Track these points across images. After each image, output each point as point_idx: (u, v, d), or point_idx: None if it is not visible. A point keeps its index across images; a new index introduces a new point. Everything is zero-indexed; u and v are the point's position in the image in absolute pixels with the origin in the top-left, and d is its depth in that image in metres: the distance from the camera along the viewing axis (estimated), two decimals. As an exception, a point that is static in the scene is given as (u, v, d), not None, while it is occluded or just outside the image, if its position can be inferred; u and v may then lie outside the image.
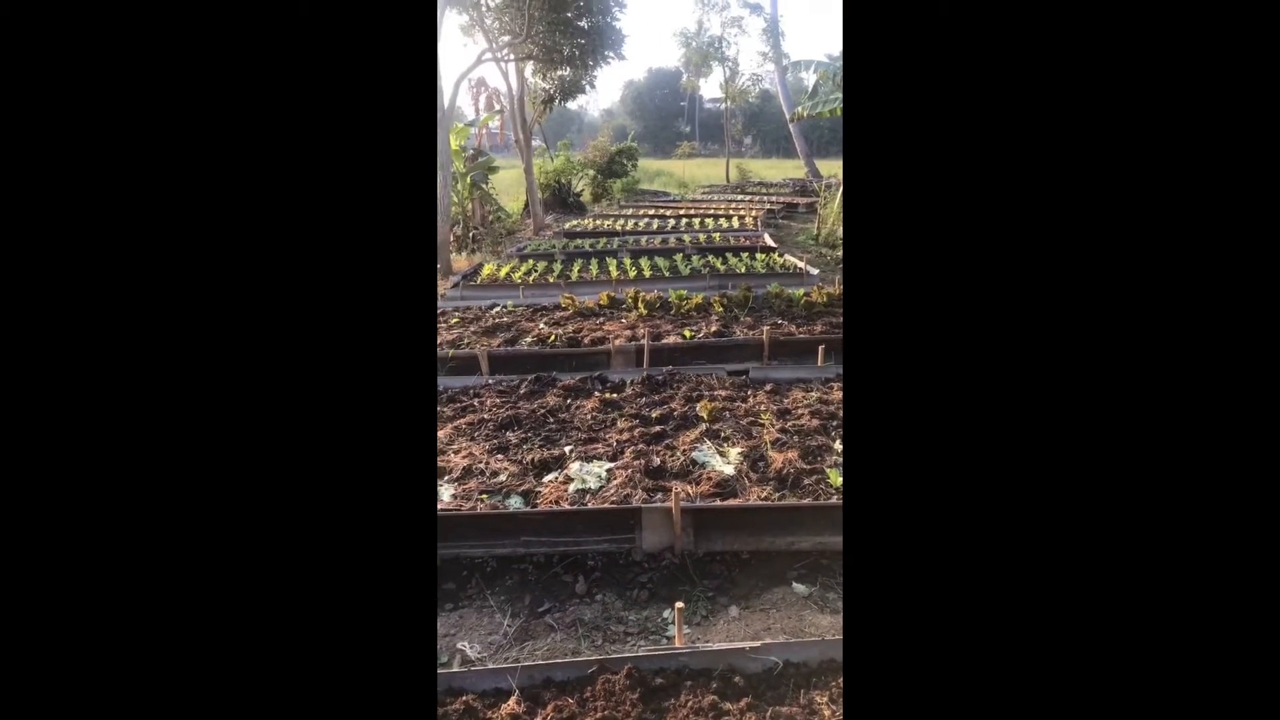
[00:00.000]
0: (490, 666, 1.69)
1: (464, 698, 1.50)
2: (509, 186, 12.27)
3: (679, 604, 1.79)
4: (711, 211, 10.68)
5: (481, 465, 2.70)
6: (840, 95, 8.73)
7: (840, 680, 1.52)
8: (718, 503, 2.32)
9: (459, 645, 1.91)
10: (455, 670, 1.62)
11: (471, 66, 7.77)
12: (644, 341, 4.00)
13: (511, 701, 1.49)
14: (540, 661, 1.67)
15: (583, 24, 7.89)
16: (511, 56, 8.41)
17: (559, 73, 8.92)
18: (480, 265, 6.64)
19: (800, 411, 3.09)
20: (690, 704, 1.45)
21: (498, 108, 11.63)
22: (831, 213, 8.37)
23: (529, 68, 9.08)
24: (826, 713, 1.44)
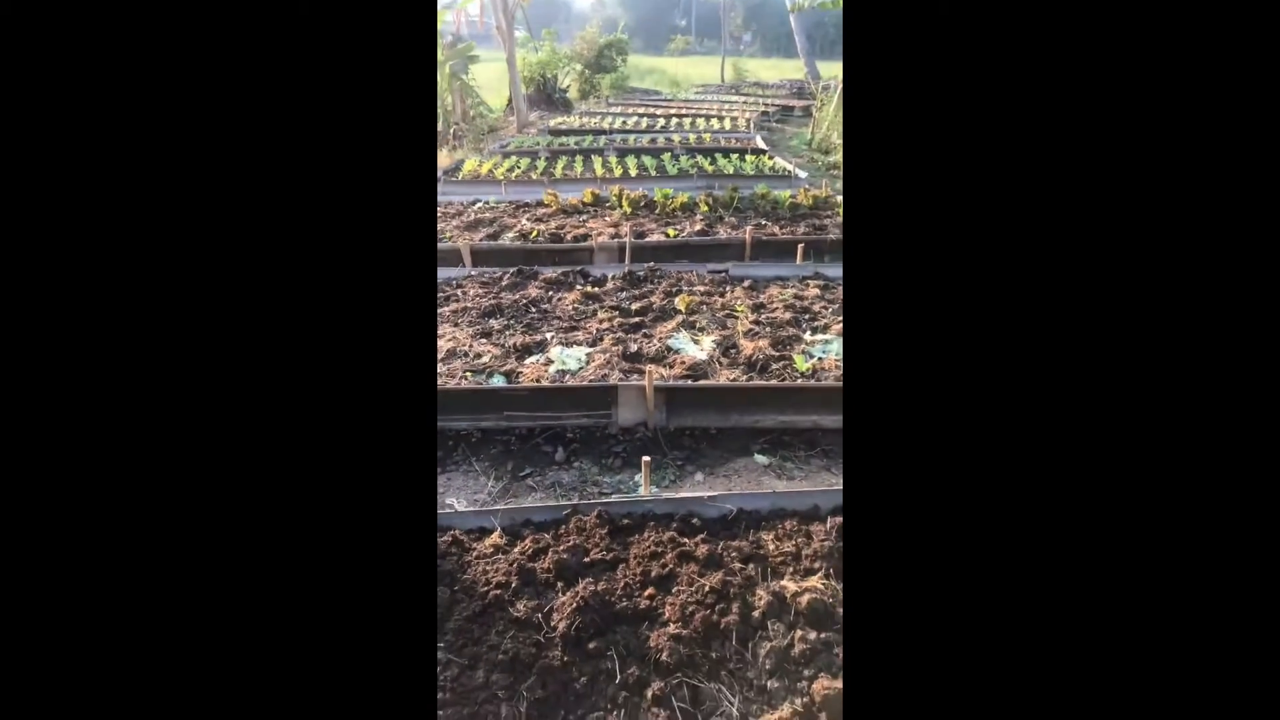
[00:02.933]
0: (475, 510, 1.88)
1: (452, 532, 1.68)
2: (491, 81, 11.59)
3: (645, 458, 1.97)
4: (703, 112, 10.26)
5: (465, 348, 2.80)
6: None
7: (786, 523, 1.72)
8: (689, 383, 2.46)
9: (447, 501, 2.10)
10: (443, 513, 1.79)
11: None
12: (627, 239, 4.01)
13: (494, 535, 1.68)
14: (520, 505, 1.85)
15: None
16: (491, -73, 7.71)
17: (543, -51, 8.21)
18: (462, 162, 6.44)
19: (775, 306, 3.20)
20: (652, 538, 1.64)
21: (478, -12, 10.74)
22: (826, 116, 8.09)
23: (511, -58, 8.35)
24: (771, 547, 1.64)
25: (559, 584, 1.52)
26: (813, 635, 1.38)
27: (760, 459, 2.33)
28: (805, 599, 1.45)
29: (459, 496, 2.13)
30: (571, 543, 1.62)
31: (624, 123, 9.11)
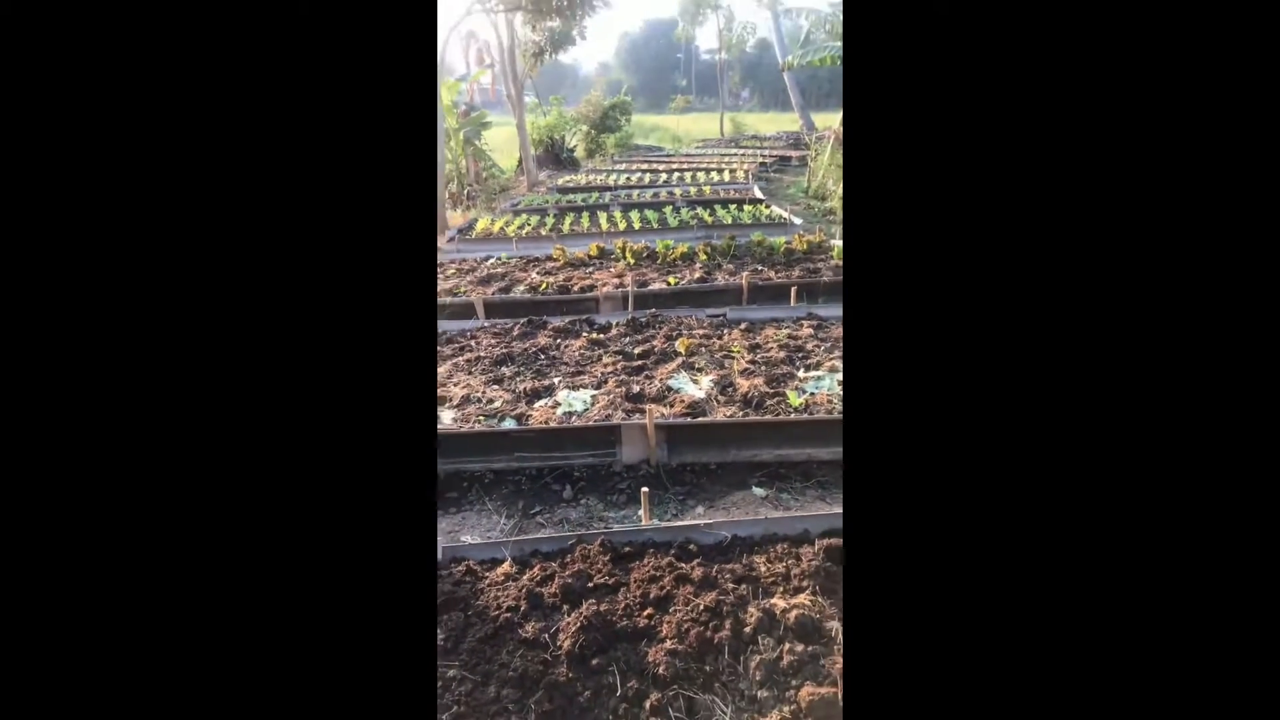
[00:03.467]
0: (487, 541, 2.01)
1: (466, 562, 1.82)
2: (502, 143, 12.23)
3: (645, 489, 2.10)
4: (704, 166, 10.72)
5: (479, 395, 2.98)
6: (836, 44, 8.69)
7: (777, 546, 1.83)
8: (689, 420, 2.61)
9: (462, 539, 2.23)
10: (457, 545, 1.93)
11: (461, 19, 7.76)
12: (630, 288, 4.24)
13: (505, 565, 1.81)
14: (529, 537, 1.98)
15: (570, -27, 7.85)
16: (501, 7, 8.36)
17: (549, 24, 8.87)
18: (475, 220, 6.81)
19: (770, 346, 3.36)
20: (651, 563, 1.76)
21: (488, 61, 11.51)
22: (821, 165, 8.45)
23: (519, 19, 9.02)
24: (762, 568, 1.75)
25: (564, 606, 1.64)
26: (800, 648, 1.48)
27: (758, 491, 2.44)
28: (794, 615, 1.55)
29: (473, 534, 2.26)
30: (576, 569, 1.74)
31: (628, 179, 9.54)
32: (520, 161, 10.59)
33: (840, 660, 1.42)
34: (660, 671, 1.45)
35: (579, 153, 13.73)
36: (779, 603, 1.60)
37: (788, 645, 1.49)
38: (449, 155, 8.10)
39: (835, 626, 1.53)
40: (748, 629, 1.54)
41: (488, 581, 1.75)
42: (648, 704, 1.40)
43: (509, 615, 1.62)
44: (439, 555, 1.87)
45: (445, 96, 7.87)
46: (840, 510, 1.99)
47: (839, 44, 8.39)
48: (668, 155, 13.51)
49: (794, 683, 1.42)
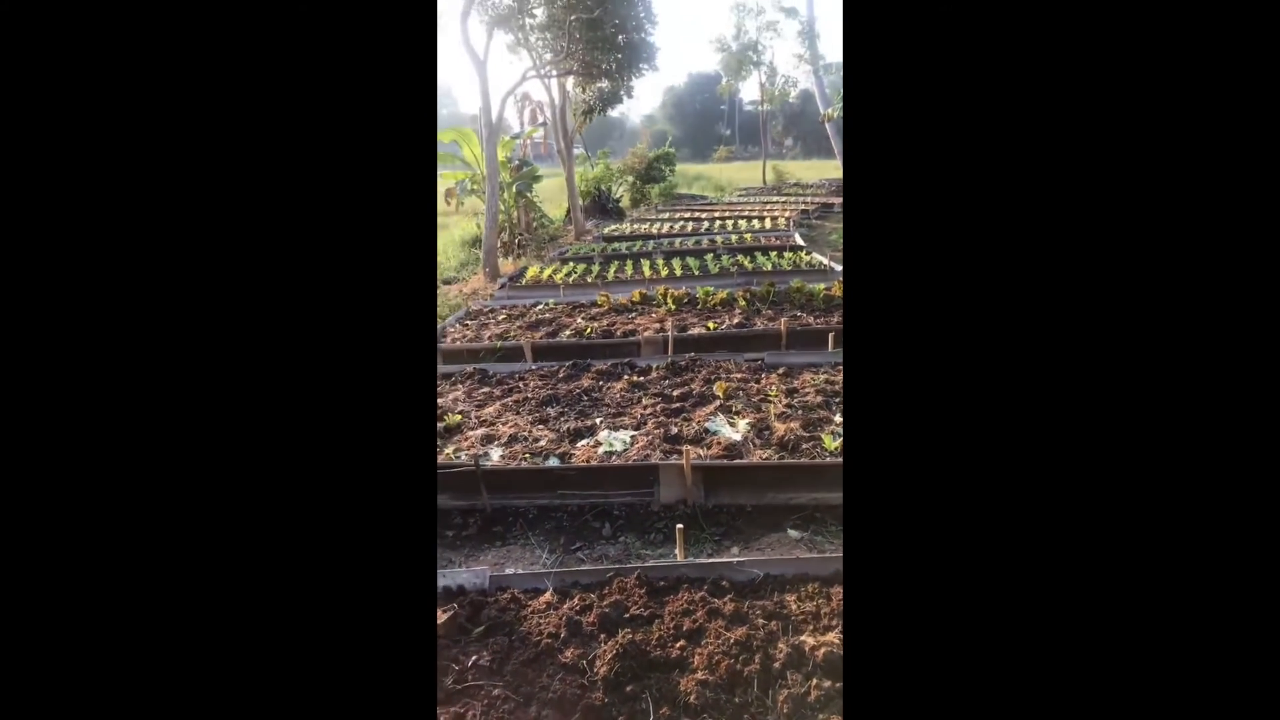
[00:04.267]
0: (530, 572, 2.13)
1: (510, 590, 1.94)
2: (552, 194, 12.86)
3: (679, 526, 2.19)
4: (745, 213, 10.96)
5: (525, 433, 3.16)
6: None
7: (809, 585, 1.88)
8: (725, 461, 2.69)
9: (507, 570, 2.36)
10: (503, 574, 2.06)
11: (518, 83, 8.38)
12: (670, 333, 4.40)
13: (547, 594, 1.92)
14: (570, 569, 2.10)
15: (619, 40, 8.39)
16: (554, 72, 8.99)
17: (598, 85, 9.45)
18: (525, 268, 7.18)
19: (807, 390, 3.43)
20: (685, 598, 1.84)
21: (541, 120, 12.26)
22: (862, 212, 8.53)
23: (570, 81, 9.65)
24: (794, 607, 1.80)
25: (602, 635, 1.73)
26: (827, 684, 1.52)
27: (793, 534, 2.49)
28: (822, 652, 1.60)
29: (517, 567, 2.39)
30: (614, 600, 1.84)
31: (671, 227, 9.86)
32: (568, 211, 11.11)
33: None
34: (691, 700, 1.52)
35: (624, 202, 14.26)
36: (809, 640, 1.65)
37: (815, 681, 1.53)
38: (501, 207, 8.61)
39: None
40: (777, 664, 1.60)
41: (530, 609, 1.86)
42: (679, 731, 1.47)
43: (550, 641, 1.73)
44: (486, 584, 1.99)
45: (500, 153, 8.43)
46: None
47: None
48: (710, 203, 13.87)
49: (820, 717, 1.46)
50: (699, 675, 1.58)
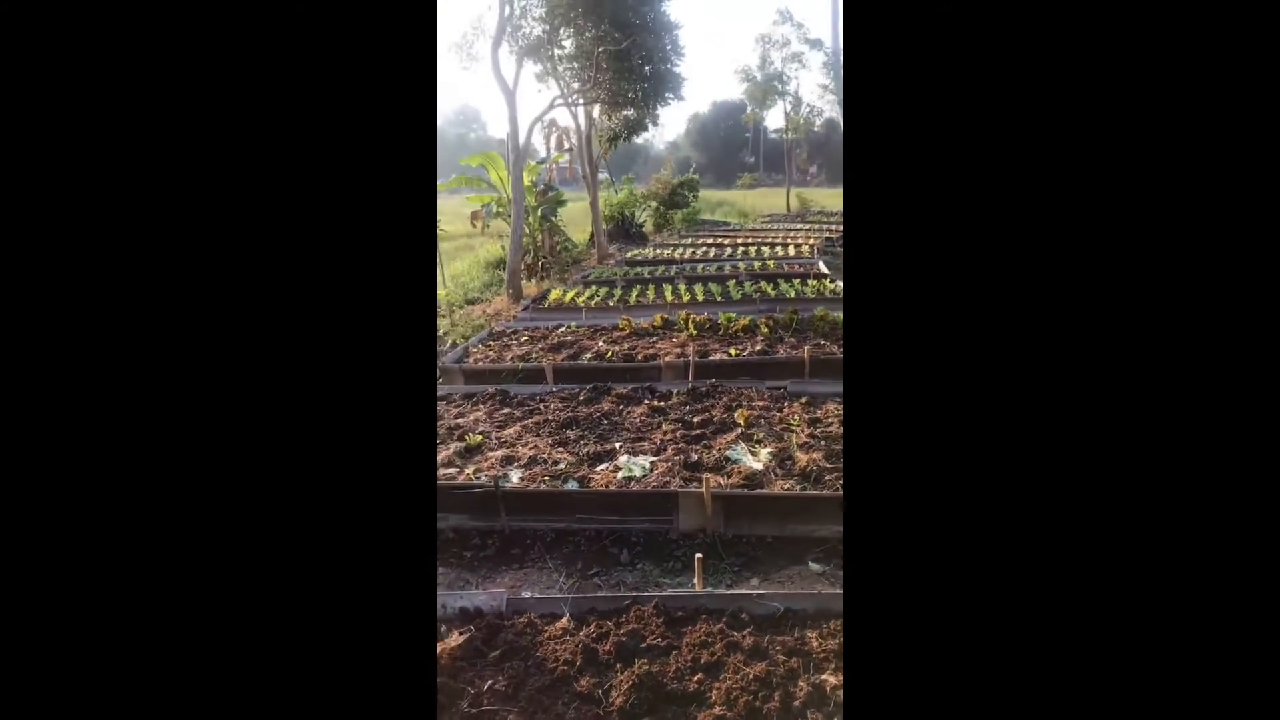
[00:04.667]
0: (547, 596, 2.12)
1: (527, 615, 1.93)
2: (576, 218, 13.05)
3: (699, 555, 2.16)
4: (769, 240, 10.99)
5: (545, 456, 3.16)
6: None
7: (831, 623, 1.84)
8: (746, 491, 2.66)
9: (524, 593, 2.35)
10: (521, 598, 2.05)
11: (545, 110, 8.64)
12: (691, 358, 4.40)
13: (563, 620, 1.90)
14: (587, 595, 2.08)
15: (646, 70, 8.59)
16: (581, 101, 9.22)
17: (624, 113, 9.65)
18: (548, 291, 7.27)
19: (830, 420, 3.39)
20: (703, 629, 1.81)
21: (567, 146, 12.52)
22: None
23: (596, 109, 9.87)
24: (815, 644, 1.76)
25: (618, 664, 1.71)
26: (850, 726, 1.48)
27: (814, 567, 2.44)
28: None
29: (534, 590, 2.37)
30: (630, 629, 1.82)
31: (694, 252, 9.93)
32: (592, 236, 11.25)
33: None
34: (708, 737, 1.48)
35: (647, 227, 14.40)
36: (830, 679, 1.61)
37: (837, 722, 1.49)
38: (526, 230, 8.77)
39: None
40: (797, 702, 1.56)
41: (546, 635, 1.85)
42: (695, 769, 1.43)
43: (565, 668, 1.71)
44: (503, 606, 1.99)
45: (526, 178, 8.62)
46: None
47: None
48: (734, 229, 13.93)
49: (842, 762, 1.42)
50: (716, 710, 1.54)
